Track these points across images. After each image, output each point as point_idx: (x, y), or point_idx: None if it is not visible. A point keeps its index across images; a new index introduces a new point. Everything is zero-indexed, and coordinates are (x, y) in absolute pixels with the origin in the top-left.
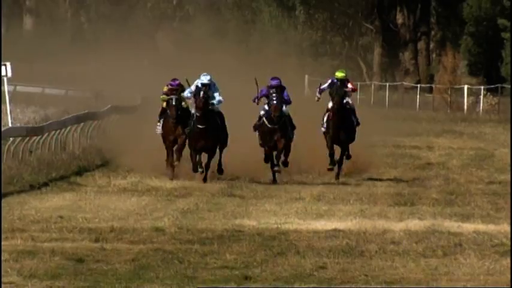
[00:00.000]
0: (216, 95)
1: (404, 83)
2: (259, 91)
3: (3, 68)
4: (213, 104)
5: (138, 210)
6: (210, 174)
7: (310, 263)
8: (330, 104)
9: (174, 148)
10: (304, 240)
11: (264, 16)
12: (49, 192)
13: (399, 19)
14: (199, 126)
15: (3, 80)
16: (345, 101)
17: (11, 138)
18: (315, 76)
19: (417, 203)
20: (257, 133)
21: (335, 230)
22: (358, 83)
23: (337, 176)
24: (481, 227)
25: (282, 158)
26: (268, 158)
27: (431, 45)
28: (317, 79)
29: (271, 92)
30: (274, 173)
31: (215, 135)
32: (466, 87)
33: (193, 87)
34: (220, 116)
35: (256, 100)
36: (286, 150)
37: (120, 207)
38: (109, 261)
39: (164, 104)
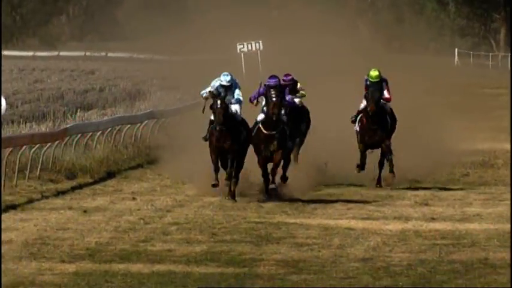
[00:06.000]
0: (237, 93)
1: None
2: (258, 90)
3: None
4: (231, 103)
5: None
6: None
7: (458, 172)
8: (363, 105)
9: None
10: (455, 157)
11: (427, 9)
12: None
13: None
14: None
15: None
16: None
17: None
18: (462, 49)
19: None
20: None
21: (475, 149)
22: (490, 54)
23: (379, 182)
24: None
25: (280, 172)
26: (266, 174)
27: None
28: (464, 51)
29: (270, 92)
30: (268, 191)
31: (235, 146)
32: None
33: (209, 88)
34: (243, 124)
35: (253, 100)
36: (285, 162)
37: None
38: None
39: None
